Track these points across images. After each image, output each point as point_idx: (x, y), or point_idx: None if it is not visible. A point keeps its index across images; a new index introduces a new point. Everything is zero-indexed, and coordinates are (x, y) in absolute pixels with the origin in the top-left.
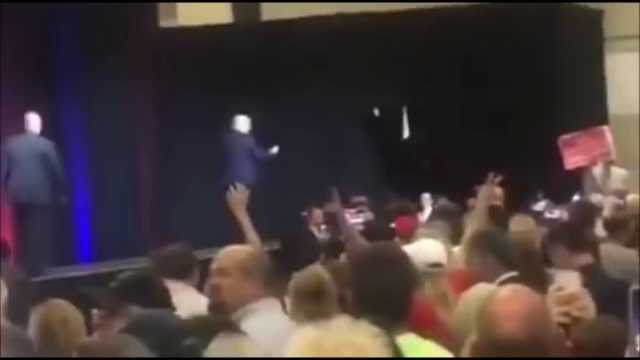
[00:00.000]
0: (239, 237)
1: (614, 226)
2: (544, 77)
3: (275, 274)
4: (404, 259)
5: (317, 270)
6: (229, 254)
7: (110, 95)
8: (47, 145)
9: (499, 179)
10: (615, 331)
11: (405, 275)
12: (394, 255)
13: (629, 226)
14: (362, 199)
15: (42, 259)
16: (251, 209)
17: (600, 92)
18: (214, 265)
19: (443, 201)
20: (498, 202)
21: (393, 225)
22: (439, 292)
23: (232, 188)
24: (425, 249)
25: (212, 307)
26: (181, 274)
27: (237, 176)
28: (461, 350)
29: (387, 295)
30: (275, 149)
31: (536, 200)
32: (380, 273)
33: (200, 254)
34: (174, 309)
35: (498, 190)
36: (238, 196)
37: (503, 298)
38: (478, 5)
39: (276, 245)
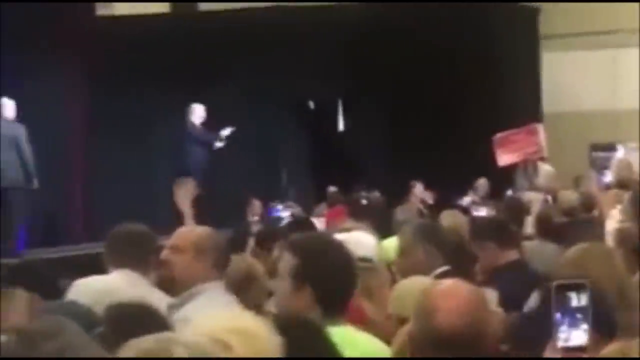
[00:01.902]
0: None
1: (543, 223)
2: (479, 74)
3: (226, 257)
4: (345, 251)
5: (248, 260)
6: (186, 232)
7: (43, 84)
8: (20, 130)
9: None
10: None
11: (346, 267)
12: (336, 247)
13: (555, 223)
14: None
15: (13, 241)
16: (199, 201)
17: (536, 90)
18: (169, 242)
19: (375, 194)
20: (430, 201)
21: (322, 216)
22: (366, 286)
23: (180, 181)
24: (357, 241)
25: (160, 282)
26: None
27: (189, 166)
28: (392, 340)
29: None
30: (227, 131)
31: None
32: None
33: None
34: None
35: (425, 194)
36: (185, 189)
37: (444, 290)
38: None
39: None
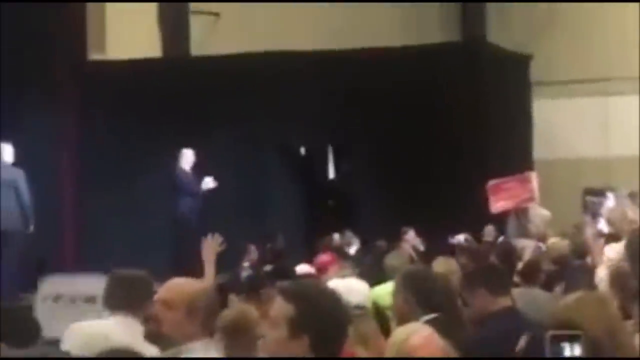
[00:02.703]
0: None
1: (532, 270)
2: (471, 121)
3: (215, 314)
4: (338, 298)
5: (239, 308)
6: (178, 286)
7: (36, 126)
8: (19, 174)
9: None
10: None
11: (339, 315)
12: (330, 294)
13: (544, 270)
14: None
15: (12, 284)
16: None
17: (527, 136)
18: (159, 295)
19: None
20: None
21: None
22: (361, 334)
23: (209, 236)
24: (350, 289)
25: (149, 337)
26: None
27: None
28: None
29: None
30: (210, 183)
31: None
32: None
33: None
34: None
35: (416, 240)
36: (212, 245)
37: (413, 343)
38: (405, 46)
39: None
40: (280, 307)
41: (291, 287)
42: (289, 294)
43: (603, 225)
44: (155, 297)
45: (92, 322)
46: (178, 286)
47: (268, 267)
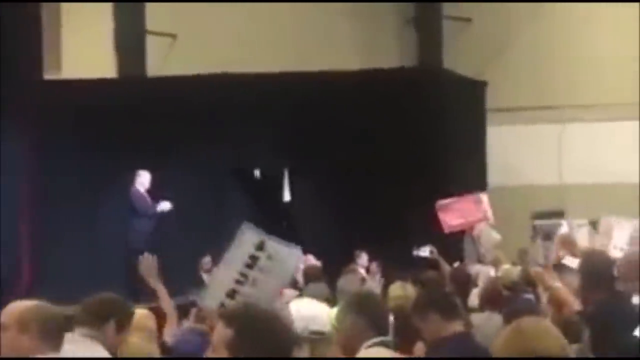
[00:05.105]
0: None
1: (492, 295)
2: (425, 146)
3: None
4: (281, 320)
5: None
6: (9, 308)
7: None
8: None
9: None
10: None
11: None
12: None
13: (500, 296)
14: None
15: None
16: (161, 274)
17: (481, 162)
18: None
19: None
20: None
21: None
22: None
23: (142, 257)
24: (309, 312)
25: None
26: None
27: (140, 236)
28: None
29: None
30: (166, 206)
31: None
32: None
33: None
34: None
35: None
36: (148, 264)
37: None
38: (362, 70)
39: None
40: (219, 331)
41: (230, 311)
42: (227, 318)
43: (553, 249)
44: None
45: None
46: (9, 308)
47: None
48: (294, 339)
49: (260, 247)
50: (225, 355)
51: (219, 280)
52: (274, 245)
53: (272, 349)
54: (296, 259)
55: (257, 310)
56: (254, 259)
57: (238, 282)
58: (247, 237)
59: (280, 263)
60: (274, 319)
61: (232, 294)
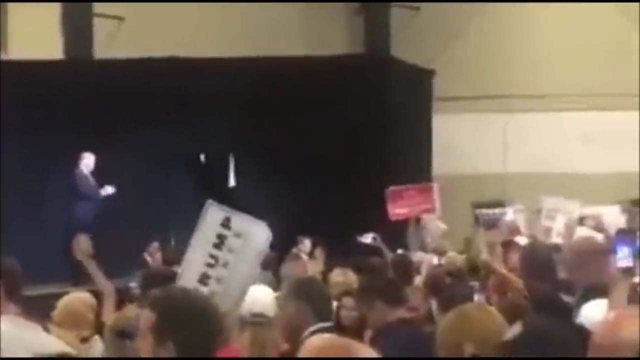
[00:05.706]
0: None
1: (435, 282)
2: (370, 133)
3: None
4: (206, 302)
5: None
6: None
7: None
8: None
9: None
10: None
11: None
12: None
13: (443, 283)
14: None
15: None
16: (95, 255)
17: (427, 151)
18: None
19: None
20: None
21: None
22: (259, 342)
23: (77, 239)
24: (253, 296)
25: None
26: None
27: (82, 217)
28: None
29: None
30: (110, 190)
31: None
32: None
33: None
34: None
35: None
36: (83, 246)
37: (313, 349)
38: (309, 56)
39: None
40: (145, 316)
41: (154, 296)
42: (151, 303)
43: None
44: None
45: None
46: None
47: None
48: (220, 323)
49: (226, 224)
50: (150, 339)
51: (190, 265)
52: (240, 221)
53: (195, 333)
54: (266, 237)
55: (180, 294)
56: (221, 237)
57: (209, 265)
58: (212, 215)
59: (248, 242)
60: (197, 302)
61: (203, 279)
